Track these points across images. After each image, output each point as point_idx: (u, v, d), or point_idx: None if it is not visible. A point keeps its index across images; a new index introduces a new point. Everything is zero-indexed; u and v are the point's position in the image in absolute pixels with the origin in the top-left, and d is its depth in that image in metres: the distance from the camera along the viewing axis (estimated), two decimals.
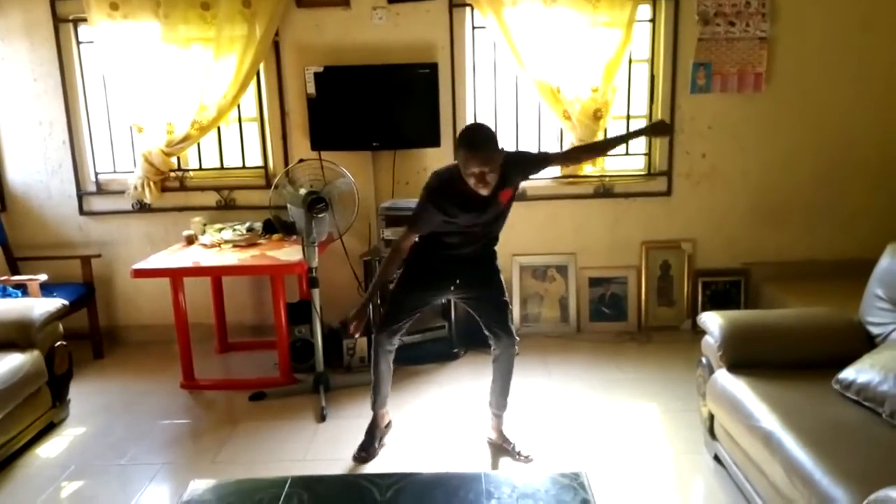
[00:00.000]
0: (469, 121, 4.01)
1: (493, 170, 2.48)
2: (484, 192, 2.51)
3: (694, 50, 3.94)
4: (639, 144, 4.19)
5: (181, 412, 3.40)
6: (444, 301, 3.78)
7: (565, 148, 4.02)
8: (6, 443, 2.86)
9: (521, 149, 2.94)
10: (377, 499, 1.94)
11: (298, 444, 3.02)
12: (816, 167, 4.11)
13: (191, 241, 3.89)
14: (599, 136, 3.97)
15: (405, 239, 2.69)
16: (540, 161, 2.86)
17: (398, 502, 1.93)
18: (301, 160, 3.58)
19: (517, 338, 2.86)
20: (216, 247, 3.76)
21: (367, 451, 2.88)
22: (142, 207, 4.20)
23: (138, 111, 3.99)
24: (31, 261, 4.10)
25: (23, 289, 3.66)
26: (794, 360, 2.51)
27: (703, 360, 2.76)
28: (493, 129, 2.61)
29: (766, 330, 2.64)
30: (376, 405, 2.95)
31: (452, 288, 2.83)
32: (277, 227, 3.82)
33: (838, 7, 3.91)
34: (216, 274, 3.93)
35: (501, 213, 2.74)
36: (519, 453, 2.82)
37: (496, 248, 2.88)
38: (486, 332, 2.84)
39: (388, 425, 3.05)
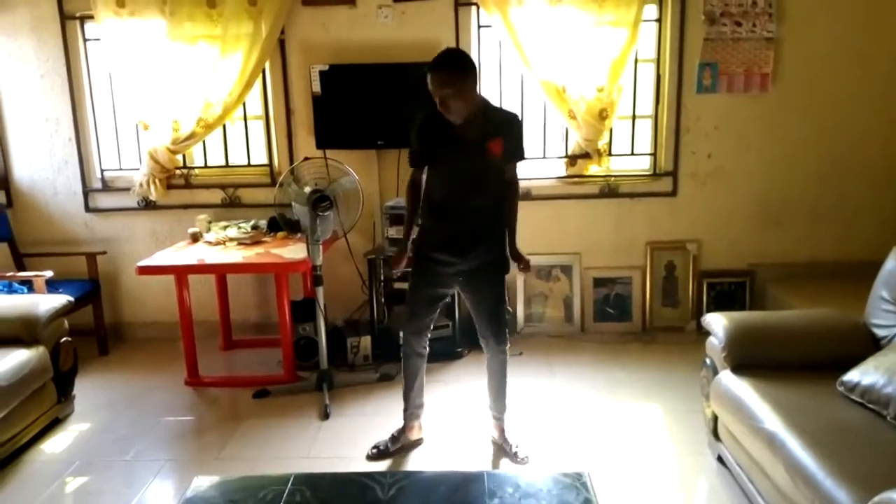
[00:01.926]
0: None
1: (457, 95, 2.45)
2: (453, 118, 2.52)
3: (700, 50, 3.93)
4: (644, 144, 4.18)
5: (185, 409, 3.41)
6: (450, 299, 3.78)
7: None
8: (11, 438, 2.87)
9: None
10: (380, 496, 1.94)
11: (302, 441, 3.02)
12: (822, 168, 4.09)
13: (196, 238, 3.90)
14: (605, 136, 3.97)
15: (413, 175, 2.77)
16: (514, 149, 2.68)
17: (400, 500, 1.93)
18: (306, 158, 3.58)
19: (507, 343, 2.83)
20: (221, 244, 3.77)
21: (381, 452, 2.86)
22: (147, 205, 4.22)
23: (144, 108, 4.00)
24: (37, 257, 4.11)
25: (29, 285, 3.68)
26: (798, 362, 2.50)
27: (707, 361, 2.75)
28: (467, 56, 2.57)
29: (770, 331, 2.63)
30: (405, 414, 2.92)
31: (461, 278, 2.76)
32: (282, 225, 3.83)
33: (845, 8, 3.89)
34: (221, 271, 3.94)
35: (490, 167, 2.65)
36: (516, 454, 2.81)
37: (507, 255, 2.79)
38: (479, 336, 2.85)
39: (417, 442, 2.96)
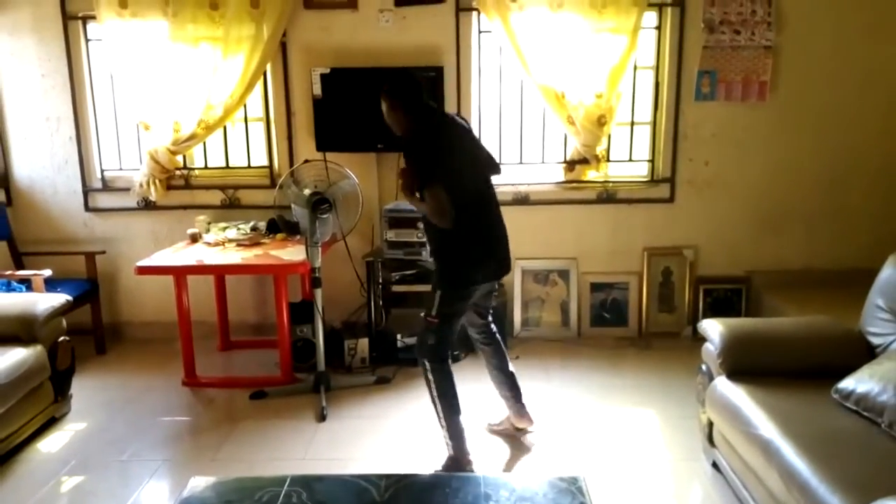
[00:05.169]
0: (474, 123, 4.02)
1: (386, 115, 2.72)
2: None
3: (699, 58, 3.94)
4: (642, 151, 4.19)
5: (182, 409, 3.41)
6: None
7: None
8: (8, 437, 2.87)
9: (439, 154, 2.61)
10: (375, 499, 1.94)
11: (298, 443, 3.03)
12: (819, 176, 4.11)
13: (195, 239, 3.91)
14: (603, 142, 3.99)
15: None
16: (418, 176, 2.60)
17: (396, 503, 1.94)
18: (306, 161, 3.59)
19: (426, 359, 2.76)
20: (220, 245, 3.77)
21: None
22: (147, 205, 4.22)
23: (145, 109, 4.01)
24: (36, 256, 4.12)
25: (27, 283, 3.68)
26: (793, 369, 2.51)
27: (703, 367, 2.76)
28: (401, 82, 2.71)
29: (766, 338, 2.64)
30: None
31: None
32: (281, 227, 3.84)
33: (844, 17, 3.91)
34: (219, 272, 3.94)
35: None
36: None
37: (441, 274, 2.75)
38: None
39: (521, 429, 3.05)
